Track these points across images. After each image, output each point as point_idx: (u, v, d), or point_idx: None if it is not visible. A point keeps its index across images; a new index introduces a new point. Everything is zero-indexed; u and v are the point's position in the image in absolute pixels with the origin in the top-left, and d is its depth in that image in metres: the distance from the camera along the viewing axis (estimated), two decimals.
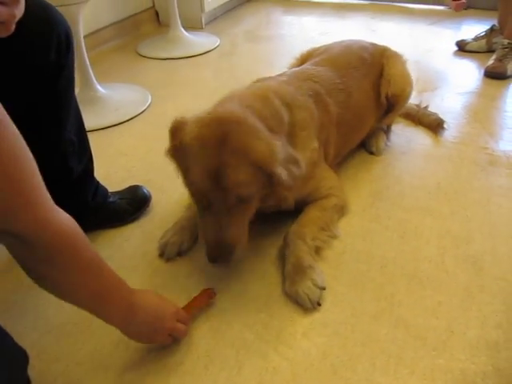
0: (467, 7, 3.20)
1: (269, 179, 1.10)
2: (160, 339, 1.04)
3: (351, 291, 1.21)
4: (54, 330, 1.14)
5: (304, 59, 1.78)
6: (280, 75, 1.51)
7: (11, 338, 0.84)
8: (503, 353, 1.06)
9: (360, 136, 1.70)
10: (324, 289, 1.18)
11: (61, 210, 0.84)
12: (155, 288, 1.24)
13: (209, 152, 1.06)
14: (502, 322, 1.13)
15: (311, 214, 1.34)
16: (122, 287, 0.96)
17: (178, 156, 1.16)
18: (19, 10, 0.82)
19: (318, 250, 1.30)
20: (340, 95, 1.50)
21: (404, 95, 1.71)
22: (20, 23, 0.85)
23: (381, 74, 1.69)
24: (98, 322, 1.14)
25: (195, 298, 1.16)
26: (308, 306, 1.16)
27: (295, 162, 1.14)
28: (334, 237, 1.37)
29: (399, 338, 1.10)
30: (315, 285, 1.17)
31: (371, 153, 1.77)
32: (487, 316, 1.14)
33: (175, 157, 1.17)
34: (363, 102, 1.61)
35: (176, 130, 1.16)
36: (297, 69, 1.58)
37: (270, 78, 1.49)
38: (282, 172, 1.09)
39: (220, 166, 1.05)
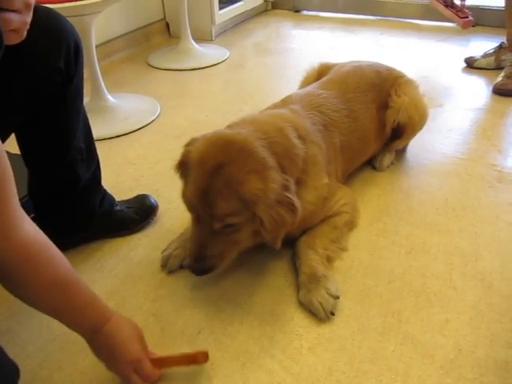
0: (475, 24, 3.21)
1: (254, 217, 1.09)
2: (116, 374, 1.00)
3: (358, 306, 1.20)
4: (58, 337, 1.14)
5: (319, 73, 1.80)
6: (287, 101, 1.47)
7: (3, 351, 0.81)
8: None
9: (364, 158, 1.69)
10: (338, 297, 1.18)
11: (29, 226, 0.83)
12: (160, 299, 1.25)
13: (205, 174, 1.07)
14: (511, 341, 1.11)
15: (322, 229, 1.34)
16: (96, 308, 0.95)
17: (182, 170, 1.19)
18: (30, 17, 0.83)
19: (329, 260, 1.29)
20: (345, 122, 1.49)
21: (412, 123, 1.67)
22: (28, 32, 0.86)
23: (388, 102, 1.66)
24: None
25: (181, 355, 1.05)
26: (321, 315, 1.15)
27: (291, 207, 1.10)
28: (344, 249, 1.36)
29: (406, 355, 1.08)
30: (329, 294, 1.16)
31: (374, 168, 1.76)
32: (496, 335, 1.13)
33: (180, 170, 1.19)
34: (368, 125, 1.59)
35: (187, 145, 1.19)
36: (303, 93, 1.53)
37: (280, 105, 1.46)
38: (265, 215, 1.07)
39: (211, 192, 1.06)
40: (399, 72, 1.78)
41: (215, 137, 1.15)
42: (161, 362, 1.02)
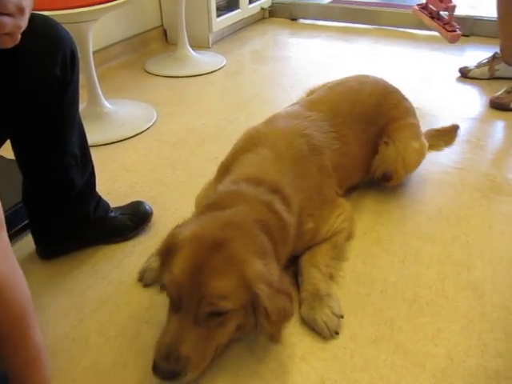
0: (469, 34, 3.25)
1: (253, 304, 0.97)
2: None
3: (351, 315, 1.21)
4: (51, 345, 1.14)
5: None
6: (271, 124, 1.42)
7: None
8: (503, 382, 1.05)
9: (353, 181, 1.63)
10: (342, 317, 1.18)
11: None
12: (154, 307, 1.25)
13: (201, 251, 0.96)
14: (502, 350, 1.12)
15: (324, 247, 1.34)
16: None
17: (165, 254, 1.04)
18: (24, 21, 0.84)
19: (331, 277, 1.29)
20: (334, 143, 1.44)
21: (397, 176, 1.60)
22: (25, 39, 0.87)
23: (380, 138, 1.59)
24: (95, 339, 1.15)
25: None
26: (326, 334, 1.14)
27: (290, 298, 1.02)
28: (344, 260, 1.37)
29: (398, 364, 1.09)
30: (333, 313, 1.16)
31: None
32: (487, 344, 1.14)
33: (163, 254, 1.05)
34: (359, 153, 1.55)
35: (173, 229, 1.08)
36: (290, 115, 1.46)
37: (263, 130, 1.37)
38: (270, 303, 0.95)
39: (206, 269, 0.94)
40: (403, 108, 1.66)
41: (209, 218, 1.06)
42: None
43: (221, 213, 1.08)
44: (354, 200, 1.64)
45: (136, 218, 1.49)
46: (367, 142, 1.59)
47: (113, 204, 1.49)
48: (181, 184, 1.74)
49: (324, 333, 1.15)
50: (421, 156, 1.66)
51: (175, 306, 0.98)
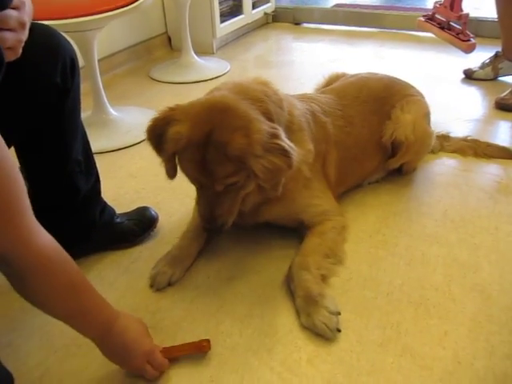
0: (474, 36, 3.23)
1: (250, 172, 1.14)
2: (130, 370, 1.06)
3: (357, 318, 1.20)
4: (58, 350, 1.15)
5: (328, 83, 1.85)
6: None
7: None
8: None
9: (364, 169, 1.66)
10: (339, 313, 1.17)
11: (44, 233, 0.87)
12: (161, 312, 1.25)
13: (197, 149, 1.13)
14: (510, 352, 1.11)
15: (312, 241, 1.34)
16: (104, 310, 0.99)
17: (173, 157, 1.22)
18: (25, 35, 0.87)
19: (323, 279, 1.28)
20: (339, 120, 1.52)
21: (407, 143, 1.59)
22: (25, 49, 0.89)
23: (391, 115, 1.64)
24: None
25: (186, 344, 1.11)
26: (328, 335, 1.14)
27: (283, 152, 1.13)
28: (340, 262, 1.35)
29: (405, 368, 1.08)
30: (330, 312, 1.15)
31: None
32: (495, 346, 1.13)
33: (170, 157, 1.21)
34: (366, 135, 1.59)
35: (174, 124, 1.16)
36: (293, 97, 1.55)
37: None
38: (256, 166, 1.11)
39: (206, 162, 1.13)
40: (415, 91, 1.75)
41: (196, 107, 1.18)
42: (168, 352, 1.08)
43: (203, 98, 1.22)
44: (359, 202, 1.64)
45: (142, 224, 1.50)
46: (381, 125, 1.63)
47: (119, 210, 1.50)
48: (186, 189, 1.75)
49: (326, 334, 1.14)
50: (429, 139, 1.70)
51: (198, 185, 1.23)
